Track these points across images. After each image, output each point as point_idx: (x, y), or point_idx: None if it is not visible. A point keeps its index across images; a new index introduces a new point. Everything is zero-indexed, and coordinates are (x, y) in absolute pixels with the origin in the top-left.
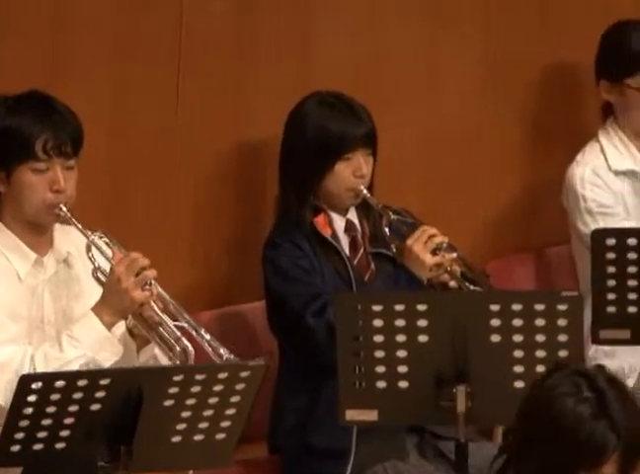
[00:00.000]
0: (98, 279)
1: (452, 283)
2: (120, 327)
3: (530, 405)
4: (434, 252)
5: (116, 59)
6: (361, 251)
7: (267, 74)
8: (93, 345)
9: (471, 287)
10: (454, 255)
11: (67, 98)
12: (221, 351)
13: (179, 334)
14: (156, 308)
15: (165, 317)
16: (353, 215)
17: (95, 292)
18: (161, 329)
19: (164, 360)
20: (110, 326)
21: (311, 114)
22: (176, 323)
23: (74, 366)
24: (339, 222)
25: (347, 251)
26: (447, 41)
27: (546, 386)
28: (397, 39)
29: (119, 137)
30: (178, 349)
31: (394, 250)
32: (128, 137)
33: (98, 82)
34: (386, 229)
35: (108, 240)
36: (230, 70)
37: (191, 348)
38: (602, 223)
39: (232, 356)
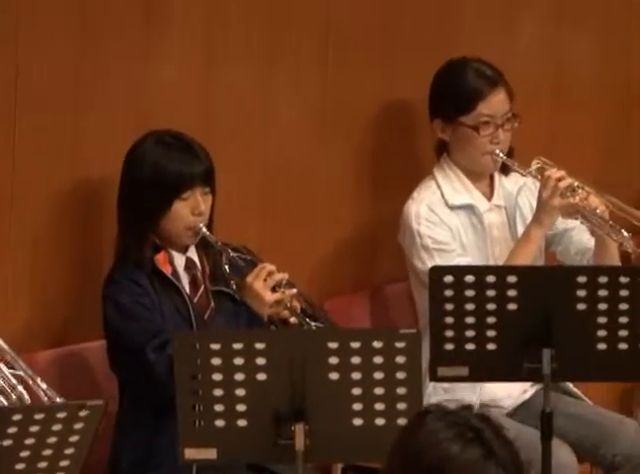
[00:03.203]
0: None
1: (293, 320)
2: None
3: (410, 455)
4: (273, 289)
5: None
6: (202, 289)
7: (104, 112)
8: None
9: (312, 324)
10: (294, 291)
11: None
12: (57, 400)
13: (15, 382)
14: None
15: (1, 365)
16: (193, 253)
17: None
18: None
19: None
20: None
21: (148, 153)
22: (12, 371)
23: None
24: (179, 260)
25: (187, 289)
26: (285, 78)
27: (425, 433)
28: (235, 76)
29: None
30: (14, 397)
31: (234, 287)
32: None
33: None
34: (226, 267)
35: None
36: (67, 107)
37: (27, 396)
38: (439, 259)
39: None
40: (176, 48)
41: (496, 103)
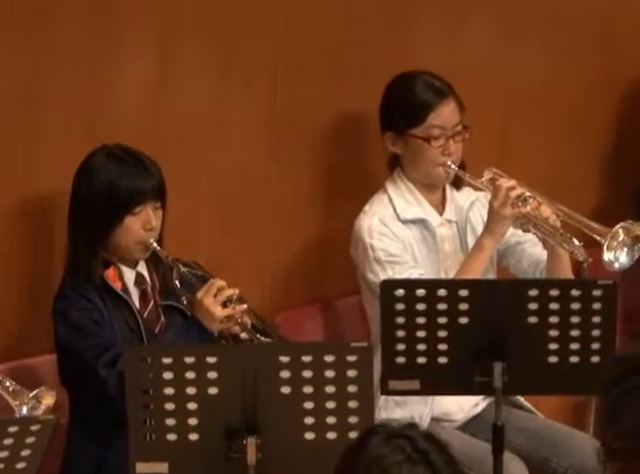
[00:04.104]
0: None
1: (243, 335)
2: None
3: None
4: (224, 304)
5: None
6: (152, 304)
7: (56, 125)
8: None
9: (262, 339)
10: (245, 306)
11: None
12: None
13: None
14: None
15: None
16: (143, 268)
17: None
18: None
19: None
20: None
21: (99, 167)
22: None
23: None
24: (129, 275)
25: (137, 304)
26: (236, 92)
27: (372, 455)
28: (186, 91)
29: None
30: None
31: (185, 302)
32: None
33: None
34: (177, 282)
35: None
36: (19, 121)
37: None
38: (391, 272)
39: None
40: (128, 62)
41: (446, 114)
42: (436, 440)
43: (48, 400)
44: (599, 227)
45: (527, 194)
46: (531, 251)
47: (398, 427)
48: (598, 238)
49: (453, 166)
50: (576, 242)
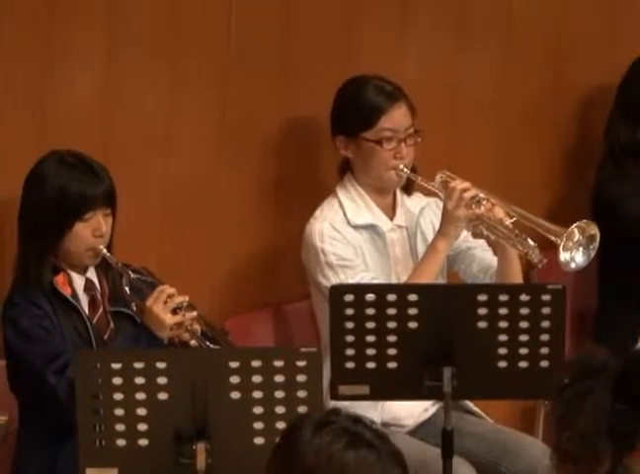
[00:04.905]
0: None
1: (193, 342)
2: None
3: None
4: (174, 311)
5: None
6: (101, 310)
7: (4, 133)
8: None
9: (211, 346)
10: (195, 314)
11: None
12: None
13: None
14: None
15: None
16: (92, 274)
17: None
18: None
19: None
20: None
21: (50, 173)
22: None
23: None
24: (78, 281)
25: (86, 310)
26: (185, 97)
27: (314, 448)
28: (136, 98)
29: None
30: None
31: (134, 309)
32: None
33: None
34: (126, 288)
35: None
36: None
37: None
38: (344, 276)
39: None
40: (77, 69)
41: (398, 117)
42: (361, 419)
43: None
44: (554, 228)
45: (481, 195)
46: (482, 256)
47: (322, 415)
48: (553, 238)
49: (406, 169)
50: (531, 243)
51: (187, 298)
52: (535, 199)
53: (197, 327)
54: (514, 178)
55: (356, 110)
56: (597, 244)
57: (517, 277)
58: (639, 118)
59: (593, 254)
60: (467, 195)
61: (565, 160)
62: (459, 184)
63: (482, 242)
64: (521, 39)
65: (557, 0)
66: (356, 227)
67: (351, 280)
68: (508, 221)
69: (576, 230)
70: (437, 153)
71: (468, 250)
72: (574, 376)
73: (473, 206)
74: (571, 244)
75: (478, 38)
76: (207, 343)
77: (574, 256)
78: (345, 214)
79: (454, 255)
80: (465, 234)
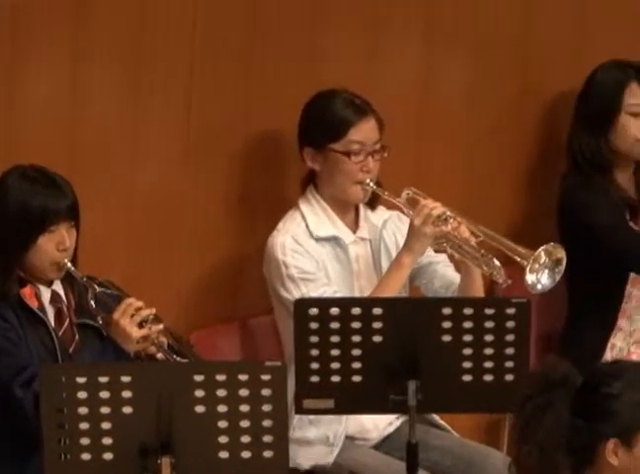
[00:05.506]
0: None
1: (159, 355)
2: None
3: None
4: (140, 325)
5: None
6: (67, 322)
7: None
8: None
9: (178, 359)
10: (161, 326)
11: None
12: None
13: None
14: None
15: None
16: (58, 286)
17: None
18: None
19: None
20: None
21: (13, 188)
22: None
23: None
24: (45, 294)
25: (52, 322)
26: (150, 110)
27: None
28: (99, 111)
29: None
30: None
31: (100, 322)
32: None
33: None
34: (92, 301)
35: None
36: None
37: None
38: (305, 289)
39: None
40: (41, 83)
41: (366, 130)
42: None
43: None
44: (521, 250)
45: (449, 213)
46: (444, 272)
47: None
48: (519, 260)
49: (372, 184)
50: (496, 263)
51: (153, 311)
52: (501, 212)
53: (163, 340)
54: (480, 189)
55: (324, 121)
56: (562, 268)
57: (479, 295)
58: (601, 130)
59: (558, 277)
60: (435, 212)
61: (531, 170)
62: (430, 202)
63: (444, 257)
64: (488, 51)
65: (523, 12)
66: (318, 240)
67: (312, 294)
68: (473, 241)
69: (543, 253)
70: (403, 166)
71: (430, 265)
72: (535, 389)
73: (440, 224)
74: (537, 266)
75: (446, 51)
76: (174, 356)
77: (540, 278)
78: (307, 227)
79: (416, 269)
80: (428, 249)
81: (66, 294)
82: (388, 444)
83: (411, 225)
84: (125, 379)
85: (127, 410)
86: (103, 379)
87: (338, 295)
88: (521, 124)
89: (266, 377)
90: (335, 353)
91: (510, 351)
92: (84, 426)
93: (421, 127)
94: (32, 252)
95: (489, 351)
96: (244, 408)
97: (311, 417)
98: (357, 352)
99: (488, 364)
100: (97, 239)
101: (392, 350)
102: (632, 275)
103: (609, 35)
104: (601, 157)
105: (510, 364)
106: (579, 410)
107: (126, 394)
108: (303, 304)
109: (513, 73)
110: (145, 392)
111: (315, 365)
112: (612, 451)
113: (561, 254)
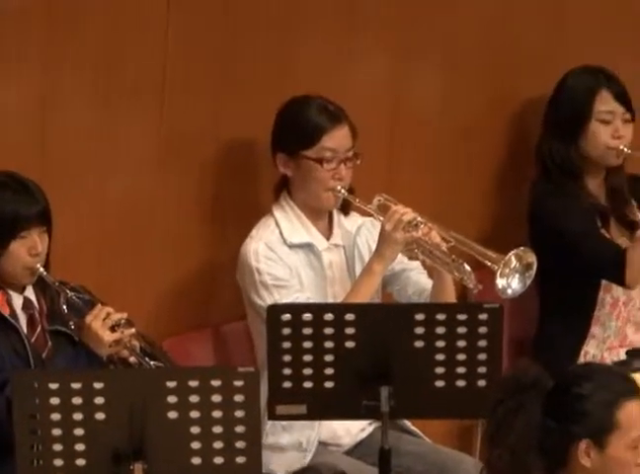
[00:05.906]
0: None
1: (132, 359)
2: None
3: None
4: (112, 328)
5: None
6: (39, 328)
7: None
8: None
9: (151, 363)
10: (133, 330)
11: None
12: None
13: None
14: None
15: None
16: (30, 293)
17: None
18: None
19: None
20: None
21: None
22: None
23: None
24: (17, 300)
25: (24, 329)
26: (122, 117)
27: None
28: (71, 118)
29: None
30: None
31: (73, 327)
32: None
33: None
34: (64, 306)
35: None
36: None
37: None
38: (278, 296)
39: None
40: (12, 89)
41: (339, 137)
42: None
43: None
44: (491, 254)
45: (419, 219)
46: (416, 279)
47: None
48: (490, 265)
49: (343, 191)
50: (467, 268)
51: (125, 315)
52: (471, 217)
53: (135, 343)
54: (450, 195)
55: (298, 127)
56: (533, 272)
57: (451, 300)
58: (572, 136)
59: (529, 282)
60: (406, 217)
61: (501, 175)
62: (401, 208)
63: (417, 264)
64: (459, 58)
65: (493, 19)
66: (292, 246)
67: (285, 300)
68: (444, 246)
69: (513, 257)
70: (375, 172)
71: (403, 272)
72: (506, 393)
73: (411, 230)
74: (508, 271)
75: (419, 58)
76: (147, 359)
77: (510, 282)
78: (281, 233)
79: (389, 276)
80: (401, 256)
81: (38, 301)
82: (361, 450)
83: (382, 231)
84: (98, 385)
85: (100, 416)
86: (75, 385)
87: (312, 302)
88: (492, 130)
89: (238, 383)
90: (307, 358)
91: (482, 356)
92: (57, 432)
93: (393, 134)
94: (4, 257)
95: (461, 356)
96: (217, 414)
97: (284, 422)
98: (329, 357)
99: (460, 370)
100: (69, 245)
101: (365, 355)
102: (604, 281)
103: (580, 41)
104: (572, 163)
105: (482, 370)
106: (550, 411)
107: (99, 400)
108: (276, 310)
109: (484, 80)
110: (118, 398)
111: (288, 371)
112: (585, 452)
113: (531, 258)
